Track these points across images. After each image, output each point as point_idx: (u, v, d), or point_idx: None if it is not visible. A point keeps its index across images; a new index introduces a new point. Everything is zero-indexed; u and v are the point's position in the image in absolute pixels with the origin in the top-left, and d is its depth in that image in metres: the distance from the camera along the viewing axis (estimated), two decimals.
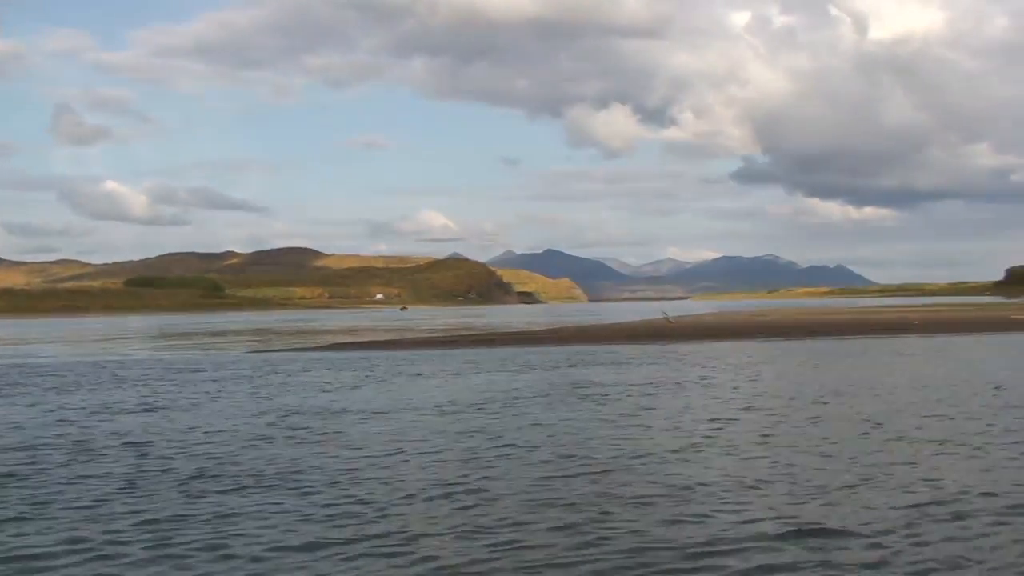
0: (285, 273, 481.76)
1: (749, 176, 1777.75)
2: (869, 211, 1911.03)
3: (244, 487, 11.79)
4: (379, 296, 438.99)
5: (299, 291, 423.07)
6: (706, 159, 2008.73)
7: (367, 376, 28.79)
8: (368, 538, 9.18)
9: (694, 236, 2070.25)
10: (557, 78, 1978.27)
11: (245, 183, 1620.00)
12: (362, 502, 10.83)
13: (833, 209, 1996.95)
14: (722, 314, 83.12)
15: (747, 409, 19.13)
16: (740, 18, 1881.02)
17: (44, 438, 16.35)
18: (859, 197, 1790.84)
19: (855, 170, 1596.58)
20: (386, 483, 11.92)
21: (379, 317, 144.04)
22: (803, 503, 10.43)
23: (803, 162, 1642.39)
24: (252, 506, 10.72)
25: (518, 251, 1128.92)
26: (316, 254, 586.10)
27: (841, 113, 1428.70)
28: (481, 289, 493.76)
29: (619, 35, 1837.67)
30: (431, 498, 11.01)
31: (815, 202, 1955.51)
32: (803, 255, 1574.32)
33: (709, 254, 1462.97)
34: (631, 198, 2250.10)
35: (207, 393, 24.15)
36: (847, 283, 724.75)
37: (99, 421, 18.67)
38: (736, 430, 16.12)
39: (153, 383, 27.62)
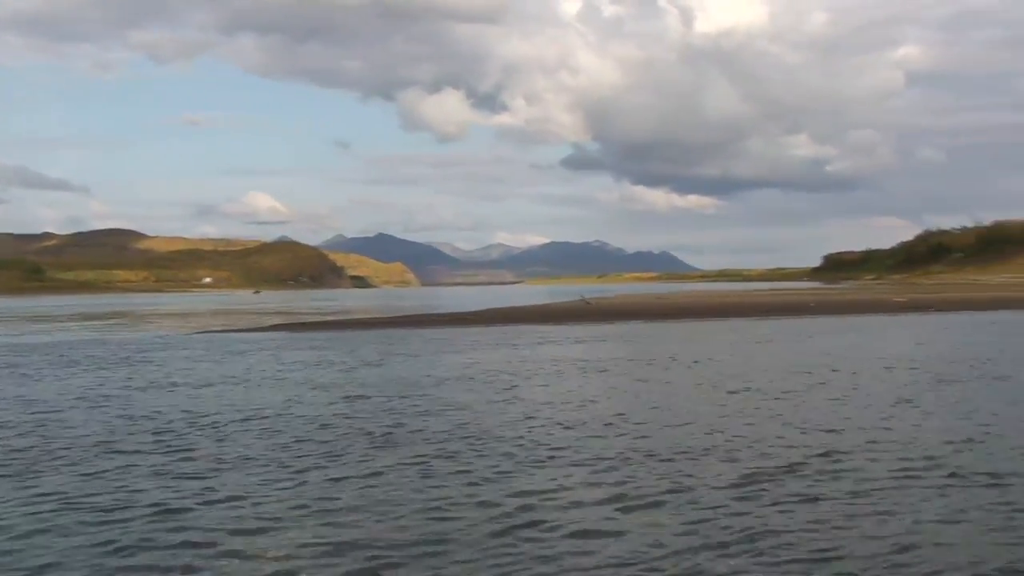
0: (107, 256, 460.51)
1: (579, 163, 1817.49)
2: (692, 199, 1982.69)
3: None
4: (207, 280, 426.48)
5: (122, 274, 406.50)
6: (537, 145, 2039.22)
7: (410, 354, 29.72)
8: None
9: (524, 221, 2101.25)
10: (391, 60, 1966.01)
11: (63, 162, 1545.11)
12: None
13: (658, 196, 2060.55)
14: (629, 296, 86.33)
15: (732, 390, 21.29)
16: (571, 6, 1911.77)
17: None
18: (683, 185, 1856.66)
19: (680, 159, 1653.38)
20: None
21: (241, 301, 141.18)
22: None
23: (631, 150, 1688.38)
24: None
25: (349, 235, 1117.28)
26: (139, 236, 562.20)
27: (667, 103, 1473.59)
28: (313, 273, 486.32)
29: (454, 19, 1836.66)
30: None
31: (641, 189, 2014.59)
32: (630, 241, 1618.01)
33: (539, 239, 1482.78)
34: (463, 183, 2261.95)
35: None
36: (671, 269, 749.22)
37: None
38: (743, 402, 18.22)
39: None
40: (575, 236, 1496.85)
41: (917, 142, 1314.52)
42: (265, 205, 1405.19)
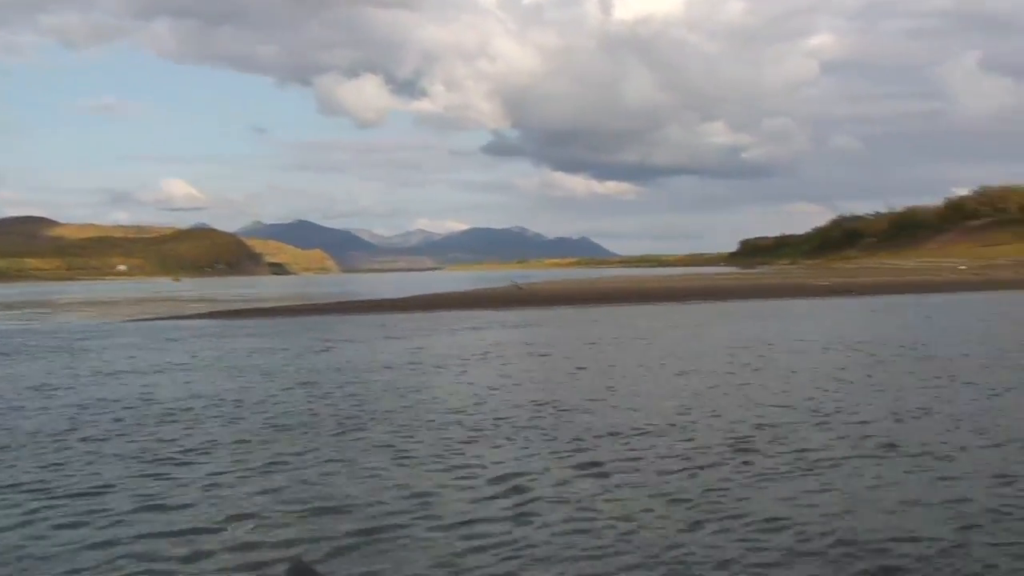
0: (17, 244, 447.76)
1: (498, 149, 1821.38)
2: (611, 185, 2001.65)
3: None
4: (121, 267, 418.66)
5: (33, 262, 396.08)
6: (457, 132, 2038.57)
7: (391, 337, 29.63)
8: None
9: (444, 208, 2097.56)
10: (307, 45, 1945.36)
11: None
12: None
13: (578, 183, 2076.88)
14: (559, 281, 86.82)
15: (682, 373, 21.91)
16: None
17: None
18: (602, 172, 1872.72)
19: (599, 146, 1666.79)
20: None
21: (161, 288, 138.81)
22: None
23: (551, 137, 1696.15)
24: None
25: (267, 221, 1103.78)
26: (50, 223, 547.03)
27: (586, 90, 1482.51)
28: (231, 260, 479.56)
29: (370, 4, 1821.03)
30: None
31: (561, 176, 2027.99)
32: (549, 227, 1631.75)
33: (459, 225, 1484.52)
34: (382, 169, 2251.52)
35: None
36: (591, 254, 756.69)
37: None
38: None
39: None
40: (495, 222, 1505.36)
41: (831, 130, 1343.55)
42: (181, 192, 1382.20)
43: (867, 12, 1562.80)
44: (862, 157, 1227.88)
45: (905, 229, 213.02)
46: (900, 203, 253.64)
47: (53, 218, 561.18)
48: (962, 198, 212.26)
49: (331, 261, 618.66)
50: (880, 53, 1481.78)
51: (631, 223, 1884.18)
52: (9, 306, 71.36)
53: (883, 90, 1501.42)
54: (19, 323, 44.57)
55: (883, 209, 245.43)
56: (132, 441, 12.68)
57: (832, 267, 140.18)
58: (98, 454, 11.84)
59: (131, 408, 15.56)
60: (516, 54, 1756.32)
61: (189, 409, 15.32)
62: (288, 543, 7.91)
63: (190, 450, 11.97)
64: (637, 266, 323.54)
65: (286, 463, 11.08)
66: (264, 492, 9.71)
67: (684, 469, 10.39)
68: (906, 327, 31.28)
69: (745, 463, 10.63)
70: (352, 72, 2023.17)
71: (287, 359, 23.70)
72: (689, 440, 12.00)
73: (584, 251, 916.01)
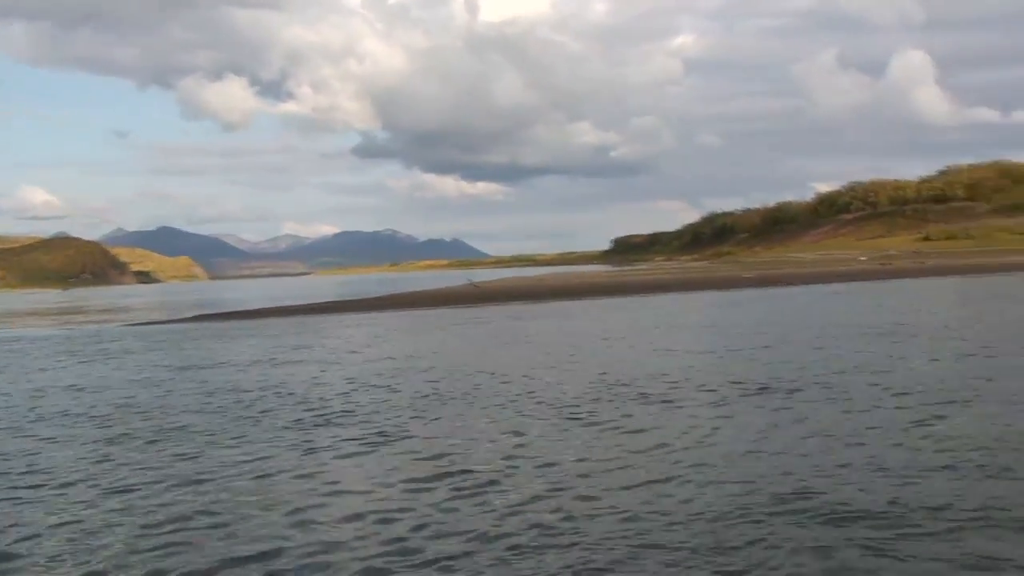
0: None
1: (368, 151, 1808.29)
2: (482, 186, 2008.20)
3: None
4: None
5: None
6: (325, 134, 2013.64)
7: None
8: None
9: (314, 211, 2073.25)
10: (168, 47, 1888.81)
11: None
12: None
13: (448, 184, 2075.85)
14: (514, 279, 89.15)
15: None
16: None
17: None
18: (473, 172, 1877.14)
19: (469, 147, 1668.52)
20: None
21: (52, 300, 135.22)
22: None
23: (420, 138, 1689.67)
24: None
25: (131, 228, 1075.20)
26: None
27: (455, 91, 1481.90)
28: (95, 269, 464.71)
29: (233, 4, 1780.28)
30: None
31: (432, 177, 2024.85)
32: (421, 229, 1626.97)
33: (329, 229, 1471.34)
34: (249, 173, 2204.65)
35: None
36: (463, 255, 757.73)
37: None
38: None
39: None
40: (366, 225, 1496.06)
41: (695, 128, 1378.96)
42: (39, 199, 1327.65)
43: (727, 12, 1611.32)
44: (725, 154, 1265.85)
45: (777, 223, 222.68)
46: (761, 199, 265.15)
47: None
48: (832, 192, 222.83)
49: (198, 268, 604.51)
50: (741, 52, 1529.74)
51: (503, 223, 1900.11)
52: None
53: (744, 88, 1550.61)
54: None
55: (746, 205, 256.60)
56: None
57: (740, 260, 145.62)
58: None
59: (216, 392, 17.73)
60: (384, 55, 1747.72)
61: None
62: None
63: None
64: (510, 266, 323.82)
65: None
66: None
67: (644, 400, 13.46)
68: (836, 312, 35.31)
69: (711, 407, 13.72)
70: (216, 74, 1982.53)
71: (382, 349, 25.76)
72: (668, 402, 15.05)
73: (457, 252, 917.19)
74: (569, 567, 7.23)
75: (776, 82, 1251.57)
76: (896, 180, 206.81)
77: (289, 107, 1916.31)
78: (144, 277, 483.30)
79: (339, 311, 49.21)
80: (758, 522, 8.08)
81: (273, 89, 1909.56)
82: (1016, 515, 7.99)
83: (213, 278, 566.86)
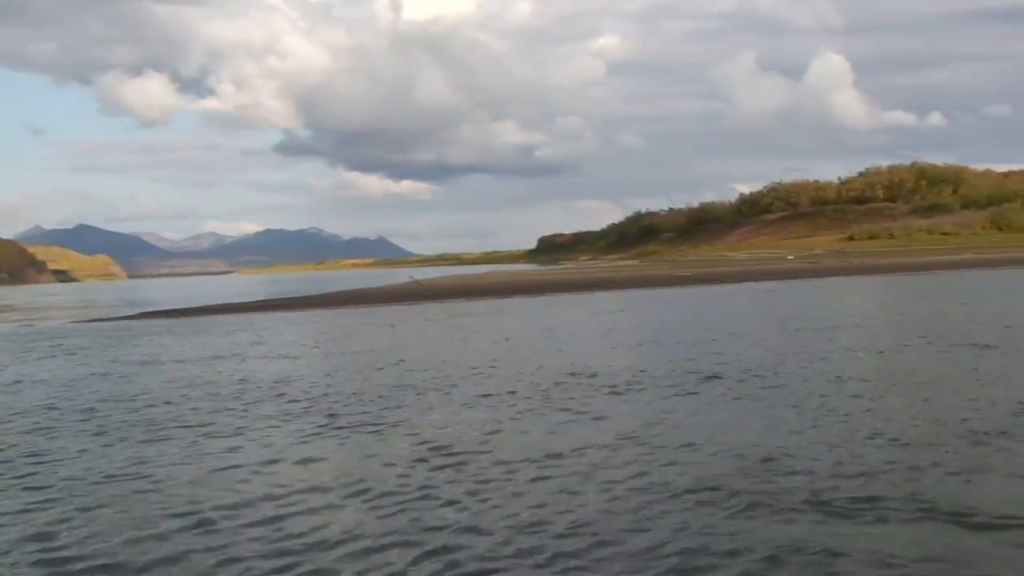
0: None
1: (291, 149, 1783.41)
2: (407, 185, 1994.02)
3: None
4: None
5: None
6: (247, 131, 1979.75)
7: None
8: None
9: (235, 209, 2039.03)
10: (86, 42, 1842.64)
11: None
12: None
13: (373, 182, 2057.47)
14: (458, 277, 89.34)
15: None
16: None
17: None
18: (397, 171, 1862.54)
19: (394, 145, 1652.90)
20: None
21: None
22: None
23: (344, 136, 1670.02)
24: None
25: (47, 226, 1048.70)
26: None
27: (379, 89, 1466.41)
28: (12, 268, 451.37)
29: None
30: None
31: (356, 175, 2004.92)
32: (345, 227, 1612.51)
33: (252, 227, 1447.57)
34: (169, 170, 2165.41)
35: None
36: (388, 254, 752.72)
37: None
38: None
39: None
40: (290, 223, 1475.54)
41: (618, 129, 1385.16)
42: None
43: (650, 14, 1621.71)
44: (647, 155, 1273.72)
45: (702, 223, 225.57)
46: (683, 199, 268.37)
47: None
48: (755, 193, 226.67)
49: (117, 267, 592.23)
50: (663, 54, 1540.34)
51: (428, 222, 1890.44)
52: None
53: (666, 90, 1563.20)
54: None
55: (670, 205, 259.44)
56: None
57: (667, 259, 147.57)
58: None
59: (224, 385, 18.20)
60: (306, 52, 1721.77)
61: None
62: None
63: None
64: (435, 264, 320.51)
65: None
66: None
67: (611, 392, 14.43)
68: (782, 306, 36.71)
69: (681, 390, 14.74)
70: (135, 70, 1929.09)
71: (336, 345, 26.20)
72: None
73: (382, 251, 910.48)
74: None
75: (697, 84, 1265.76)
76: (817, 181, 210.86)
77: (210, 104, 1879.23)
78: (62, 276, 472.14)
79: (286, 308, 49.39)
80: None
81: (194, 86, 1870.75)
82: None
83: (132, 277, 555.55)
